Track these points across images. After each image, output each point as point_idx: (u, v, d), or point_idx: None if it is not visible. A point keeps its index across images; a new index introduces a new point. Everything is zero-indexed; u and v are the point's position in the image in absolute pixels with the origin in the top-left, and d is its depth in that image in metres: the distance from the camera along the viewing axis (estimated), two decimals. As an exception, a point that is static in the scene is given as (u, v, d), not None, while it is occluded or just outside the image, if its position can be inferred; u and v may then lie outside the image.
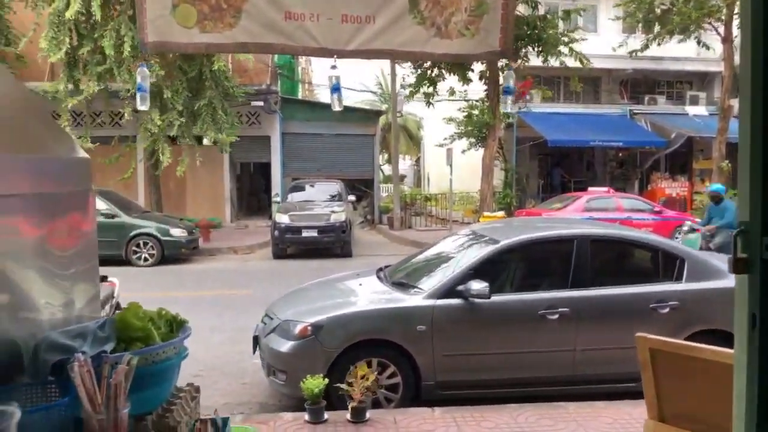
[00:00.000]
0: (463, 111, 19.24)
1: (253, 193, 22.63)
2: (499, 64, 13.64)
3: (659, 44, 17.60)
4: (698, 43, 17.55)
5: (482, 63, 14.04)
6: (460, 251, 5.64)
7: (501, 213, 15.23)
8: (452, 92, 16.62)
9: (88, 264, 2.07)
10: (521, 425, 4.13)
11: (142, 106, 3.65)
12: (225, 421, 1.51)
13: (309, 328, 4.72)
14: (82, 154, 2.11)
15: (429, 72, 16.03)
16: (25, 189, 1.69)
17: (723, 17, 16.66)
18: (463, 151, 19.67)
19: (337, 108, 3.64)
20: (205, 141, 14.42)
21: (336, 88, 3.63)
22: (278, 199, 16.72)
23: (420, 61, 14.68)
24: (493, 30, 3.29)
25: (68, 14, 12.45)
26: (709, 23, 16.95)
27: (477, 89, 17.07)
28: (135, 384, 1.52)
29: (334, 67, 3.52)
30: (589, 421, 4.15)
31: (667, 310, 4.80)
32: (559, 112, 20.32)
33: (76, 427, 1.45)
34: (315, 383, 4.23)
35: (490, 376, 4.79)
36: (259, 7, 3.26)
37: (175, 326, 1.80)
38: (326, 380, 4.31)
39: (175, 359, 1.69)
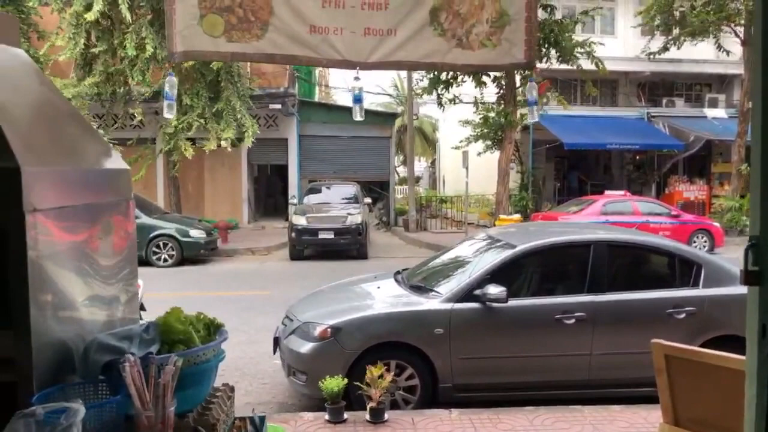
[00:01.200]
0: (479, 113, 19.28)
1: (270, 195, 22.85)
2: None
3: (678, 47, 17.52)
4: (718, 47, 17.44)
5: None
6: (476, 256, 5.72)
7: (517, 216, 15.25)
8: (476, 104, 16.74)
9: (129, 268, 2.20)
10: (537, 428, 4.20)
11: (169, 114, 3.78)
12: (262, 419, 1.61)
13: (329, 330, 4.82)
14: (123, 165, 2.23)
15: (446, 75, 16.11)
16: (75, 200, 1.81)
17: (743, 20, 16.54)
18: (479, 154, 19.69)
19: (358, 118, 3.74)
20: (222, 143, 14.54)
21: (358, 99, 3.73)
22: (295, 200, 16.89)
23: (441, 71, 14.76)
24: (516, 41, 3.36)
25: (89, 16, 12.70)
26: (729, 26, 16.83)
27: (493, 91, 17.11)
28: (178, 384, 1.63)
29: (357, 78, 3.62)
30: (605, 424, 4.21)
31: (683, 315, 4.84)
32: (575, 115, 20.25)
33: (125, 424, 1.56)
34: (335, 383, 4.34)
35: (506, 379, 4.85)
36: (284, 20, 3.37)
37: (212, 329, 1.91)
38: (346, 380, 4.41)
39: (214, 361, 1.81)
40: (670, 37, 18.04)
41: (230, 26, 3.40)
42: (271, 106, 18.57)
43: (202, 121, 14.24)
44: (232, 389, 1.97)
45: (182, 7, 3.29)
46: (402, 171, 29.83)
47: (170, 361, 1.58)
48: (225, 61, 11.79)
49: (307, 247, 14.05)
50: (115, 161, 2.19)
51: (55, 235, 1.67)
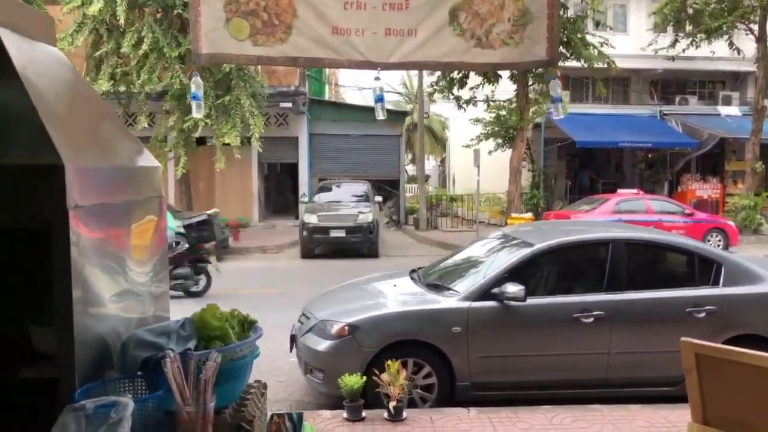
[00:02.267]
0: (491, 111, 19.24)
1: (280, 193, 22.90)
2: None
3: (697, 46, 17.41)
4: (730, 45, 17.31)
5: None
6: (492, 254, 5.71)
7: (529, 215, 15.21)
8: (488, 103, 16.70)
9: (161, 266, 2.22)
10: (556, 426, 4.20)
11: (198, 114, 3.81)
12: (300, 416, 1.62)
13: (346, 328, 4.84)
14: (155, 162, 2.25)
15: (459, 74, 16.08)
16: (113, 198, 1.82)
17: (757, 18, 16.40)
18: (490, 152, 19.65)
19: (381, 117, 3.75)
20: (232, 143, 14.54)
21: (380, 98, 3.75)
22: (305, 199, 16.92)
23: (462, 70, 14.76)
24: (537, 39, 3.37)
25: (91, 11, 12.76)
26: (743, 23, 16.70)
27: (505, 89, 17.08)
28: (215, 380, 1.64)
29: (377, 78, 3.63)
30: (625, 424, 4.19)
31: (703, 314, 4.81)
32: (587, 113, 20.17)
33: (166, 419, 1.58)
34: (354, 381, 4.35)
35: (524, 378, 4.85)
36: (307, 23, 3.40)
37: (247, 326, 1.92)
38: (365, 378, 4.42)
39: (249, 357, 1.82)
40: (682, 34, 17.91)
41: (255, 30, 3.43)
42: (282, 104, 18.60)
43: (207, 121, 14.25)
44: (265, 386, 1.99)
45: (207, 9, 3.32)
46: (411, 170, 29.83)
47: (211, 357, 1.60)
48: (250, 65, 11.82)
49: (319, 245, 14.08)
50: (147, 158, 2.21)
51: (95, 231, 1.69)
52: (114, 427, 1.26)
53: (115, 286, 1.82)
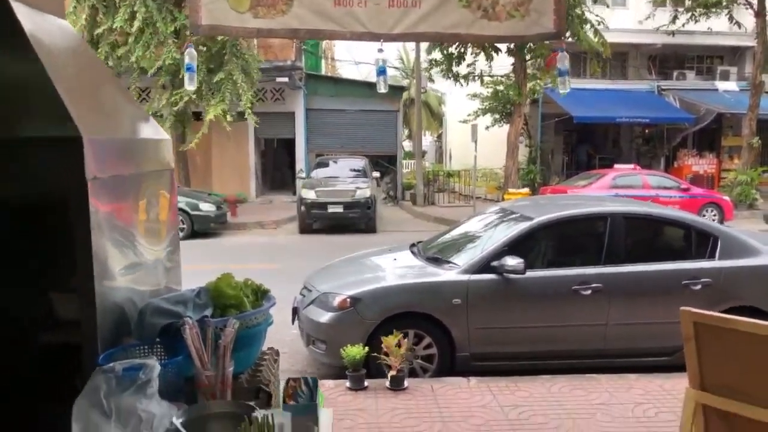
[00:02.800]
0: (489, 87, 19.14)
1: (277, 169, 22.84)
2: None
3: (696, 20, 17.28)
4: (730, 19, 17.19)
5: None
6: (492, 228, 5.76)
7: (526, 190, 15.27)
8: (482, 79, 16.57)
9: (172, 237, 2.25)
10: (555, 395, 4.30)
11: (190, 86, 3.80)
12: (315, 381, 1.67)
13: (348, 300, 4.91)
14: (165, 135, 2.27)
15: (457, 49, 15.95)
16: (127, 169, 1.85)
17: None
18: (487, 128, 19.60)
19: (382, 90, 3.75)
20: (212, 112, 14.34)
21: (382, 71, 3.74)
22: (303, 174, 16.90)
23: (467, 43, 14.61)
24: (545, 11, 3.35)
25: None
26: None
27: (502, 64, 16.97)
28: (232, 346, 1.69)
29: (380, 50, 3.62)
30: (621, 392, 4.30)
31: (699, 287, 4.89)
32: (585, 88, 20.06)
33: (185, 385, 1.63)
34: (356, 351, 4.43)
35: (523, 349, 4.94)
36: None
37: (260, 295, 1.97)
38: (367, 349, 4.50)
39: (264, 325, 1.87)
40: (681, 9, 17.77)
41: (256, 2, 3.39)
42: (278, 79, 18.45)
43: (193, 96, 14.11)
44: (278, 353, 2.04)
45: None
46: (407, 145, 29.72)
47: (229, 323, 1.65)
48: (250, 38, 11.67)
49: (317, 220, 14.12)
50: (157, 131, 2.23)
51: (110, 203, 1.72)
52: (143, 387, 1.31)
53: (130, 257, 1.86)
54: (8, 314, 1.83)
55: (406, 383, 4.48)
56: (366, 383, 4.48)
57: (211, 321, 1.71)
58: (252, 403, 1.52)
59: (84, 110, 1.67)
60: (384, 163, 20.78)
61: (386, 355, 4.48)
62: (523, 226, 5.20)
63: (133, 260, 1.89)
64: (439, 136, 34.23)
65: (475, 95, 20.07)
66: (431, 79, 19.32)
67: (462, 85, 17.65)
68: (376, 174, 16.90)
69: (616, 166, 15.51)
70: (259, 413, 1.36)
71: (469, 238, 5.84)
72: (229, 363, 1.61)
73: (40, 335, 1.85)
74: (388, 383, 4.48)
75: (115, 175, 1.76)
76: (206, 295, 1.84)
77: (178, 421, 1.41)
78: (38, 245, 1.80)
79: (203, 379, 1.60)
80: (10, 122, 1.56)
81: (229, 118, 14.59)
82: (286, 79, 18.66)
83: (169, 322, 1.71)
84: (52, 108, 1.58)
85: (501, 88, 18.71)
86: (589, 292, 4.86)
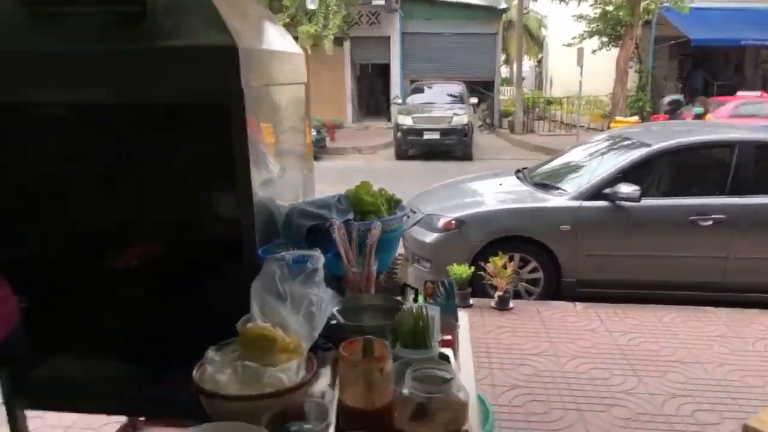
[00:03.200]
0: (596, 6, 17.80)
1: (372, 95, 22.84)
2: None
3: None
4: None
5: None
6: (602, 155, 5.55)
7: (635, 118, 14.38)
8: None
9: (306, 148, 2.35)
10: (667, 324, 4.21)
11: (311, 5, 3.82)
12: (451, 284, 1.74)
13: (453, 222, 4.96)
14: (298, 48, 2.33)
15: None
16: (272, 80, 1.93)
17: None
18: (594, 52, 18.37)
19: None
20: (303, 33, 14.33)
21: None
22: (399, 100, 16.80)
23: None
24: None
25: None
26: None
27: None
28: (372, 249, 1.77)
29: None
30: (741, 327, 4.13)
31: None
32: (705, 7, 18.18)
33: (333, 281, 1.74)
34: (462, 270, 4.51)
35: (634, 277, 4.83)
36: None
37: (393, 204, 2.04)
38: (472, 268, 4.56)
39: (398, 231, 1.94)
40: None
41: None
42: (374, 2, 18.10)
43: (288, 20, 14.08)
44: (407, 259, 2.13)
45: None
46: (504, 72, 28.55)
47: (374, 226, 1.74)
48: None
49: (412, 147, 14.13)
50: (293, 45, 2.28)
51: (259, 111, 1.81)
52: (312, 275, 1.43)
53: (273, 165, 1.96)
54: (179, 209, 2.02)
55: (511, 304, 4.55)
56: (471, 301, 4.59)
57: (355, 224, 1.80)
58: (398, 298, 1.62)
59: (237, 21, 1.73)
60: (481, 89, 20.20)
61: (491, 276, 4.54)
62: (640, 152, 4.97)
63: (276, 167, 2.00)
64: (539, 62, 32.56)
65: (581, 16, 18.73)
66: (533, -1, 18.24)
67: (566, 4, 16.52)
68: (473, 100, 16.51)
69: (740, 93, 14.17)
70: (408, 305, 1.44)
71: (577, 165, 5.67)
72: (374, 262, 1.71)
73: (206, 229, 2.03)
74: (493, 303, 4.56)
75: (263, 84, 1.84)
76: (346, 201, 1.93)
77: (334, 309, 1.53)
78: (202, 150, 1.94)
79: (350, 274, 1.71)
80: (173, 32, 1.66)
81: (327, 43, 14.63)
82: (382, 2, 18.29)
83: (314, 224, 1.82)
84: (208, 18, 1.65)
85: (610, 8, 17.32)
86: (709, 222, 4.62)
